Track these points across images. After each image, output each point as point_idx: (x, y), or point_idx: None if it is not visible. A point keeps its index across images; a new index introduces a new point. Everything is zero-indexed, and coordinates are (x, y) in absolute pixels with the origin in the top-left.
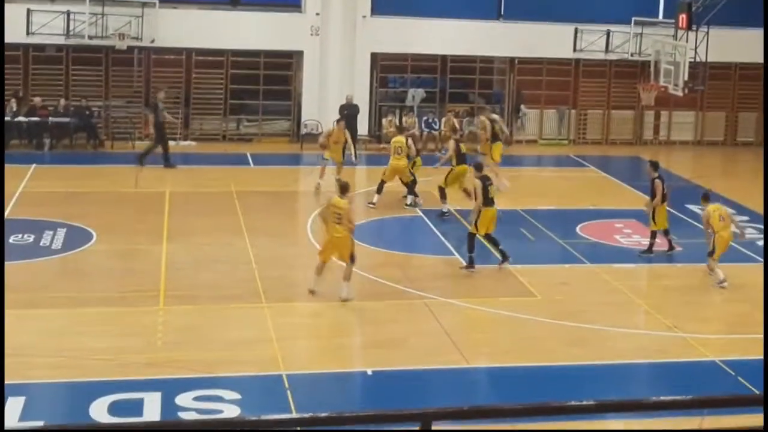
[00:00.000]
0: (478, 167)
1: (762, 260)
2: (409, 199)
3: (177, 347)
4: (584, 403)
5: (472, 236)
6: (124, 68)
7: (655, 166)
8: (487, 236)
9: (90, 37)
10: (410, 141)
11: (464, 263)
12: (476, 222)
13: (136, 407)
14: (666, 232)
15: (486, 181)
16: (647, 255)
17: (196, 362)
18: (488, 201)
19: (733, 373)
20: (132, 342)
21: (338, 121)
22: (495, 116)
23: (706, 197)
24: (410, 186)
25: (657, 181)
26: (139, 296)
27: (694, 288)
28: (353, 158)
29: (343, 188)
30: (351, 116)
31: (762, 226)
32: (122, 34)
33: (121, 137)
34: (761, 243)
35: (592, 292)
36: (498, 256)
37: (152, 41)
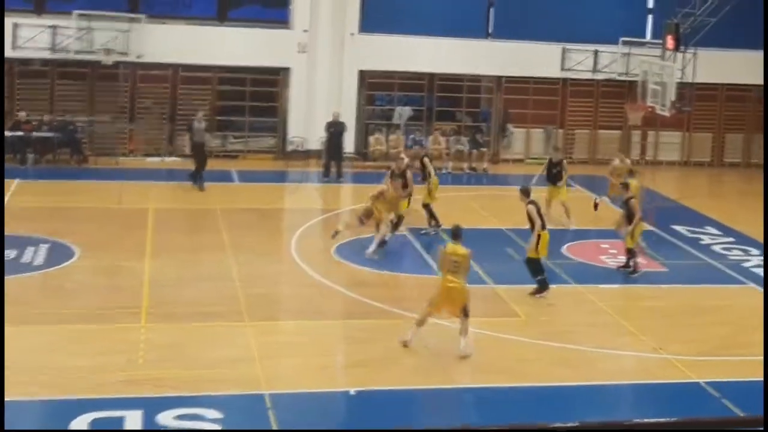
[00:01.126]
0: (526, 192)
1: (747, 282)
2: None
3: (159, 365)
4: (569, 425)
5: (532, 261)
6: (109, 83)
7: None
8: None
9: (76, 52)
10: (426, 160)
11: (535, 289)
12: (537, 246)
13: (117, 426)
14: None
15: (538, 205)
16: (633, 275)
17: (177, 380)
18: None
19: (718, 395)
20: (113, 359)
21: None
22: None
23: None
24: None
25: (633, 201)
26: (121, 313)
27: (678, 309)
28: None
29: (456, 233)
30: (337, 134)
31: (748, 248)
32: (108, 49)
33: (106, 153)
34: (747, 264)
35: (578, 313)
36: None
37: (139, 56)
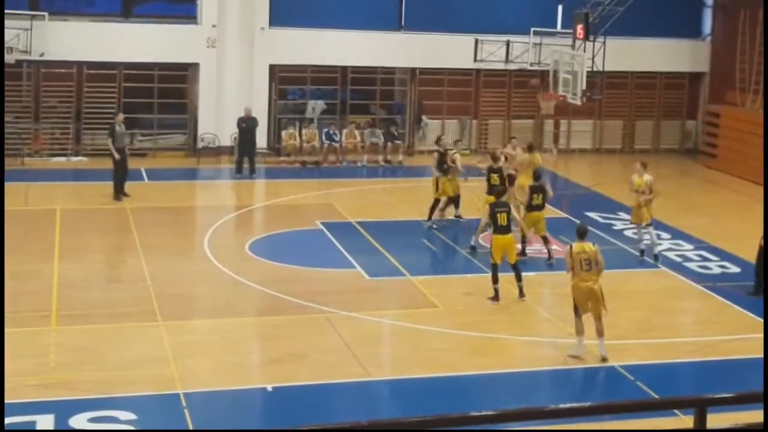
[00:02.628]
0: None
1: (659, 267)
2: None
3: (70, 368)
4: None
5: (493, 266)
6: (12, 83)
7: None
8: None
9: None
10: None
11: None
12: (491, 250)
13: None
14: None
15: (496, 208)
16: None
17: (90, 383)
18: (499, 228)
19: (632, 378)
20: (24, 363)
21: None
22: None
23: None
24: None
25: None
26: (30, 316)
27: None
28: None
29: (582, 232)
30: (249, 129)
31: (659, 232)
32: (10, 47)
33: (10, 153)
34: (658, 249)
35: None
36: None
37: (41, 55)
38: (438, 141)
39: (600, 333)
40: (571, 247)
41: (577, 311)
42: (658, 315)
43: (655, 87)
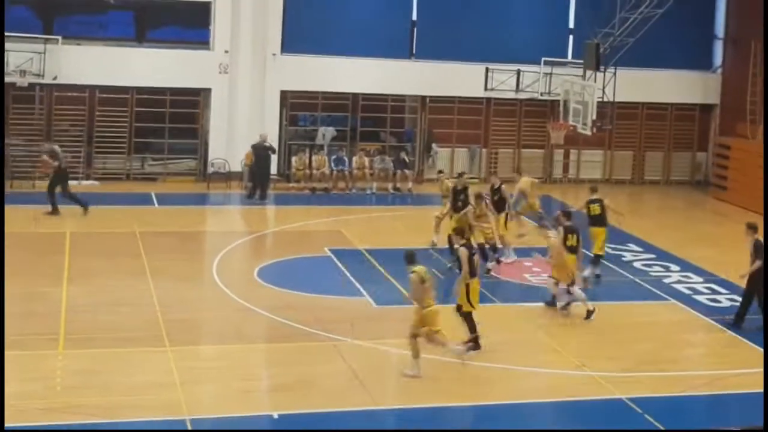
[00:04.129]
0: (459, 232)
1: (669, 299)
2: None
3: (77, 392)
4: None
5: (466, 315)
6: (24, 106)
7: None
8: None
9: None
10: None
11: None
12: (468, 297)
13: None
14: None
15: (471, 250)
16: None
17: (96, 407)
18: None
19: (640, 411)
20: (31, 387)
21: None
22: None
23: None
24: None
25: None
26: (38, 340)
27: (602, 326)
28: None
29: (411, 257)
30: (264, 156)
31: (669, 264)
32: (23, 70)
33: (22, 176)
34: (668, 281)
35: (501, 332)
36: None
37: (54, 78)
38: (460, 175)
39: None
40: (416, 273)
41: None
42: (667, 348)
43: (665, 118)
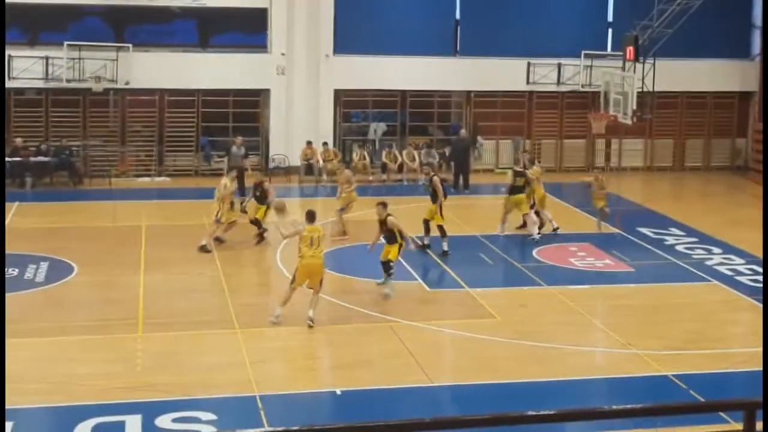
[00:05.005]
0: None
1: (711, 280)
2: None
3: (155, 372)
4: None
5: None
6: (100, 109)
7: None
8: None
9: (68, 81)
10: (437, 179)
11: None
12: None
13: (118, 430)
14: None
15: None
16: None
17: (173, 386)
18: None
19: (685, 387)
20: (113, 368)
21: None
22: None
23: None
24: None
25: (435, 179)
26: (118, 324)
27: (647, 307)
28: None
29: (311, 216)
30: (462, 149)
31: (710, 246)
32: (98, 77)
33: (99, 174)
34: (710, 263)
35: (549, 313)
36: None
37: (127, 83)
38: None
39: (314, 304)
40: (303, 229)
41: (293, 283)
42: (710, 327)
43: (705, 106)
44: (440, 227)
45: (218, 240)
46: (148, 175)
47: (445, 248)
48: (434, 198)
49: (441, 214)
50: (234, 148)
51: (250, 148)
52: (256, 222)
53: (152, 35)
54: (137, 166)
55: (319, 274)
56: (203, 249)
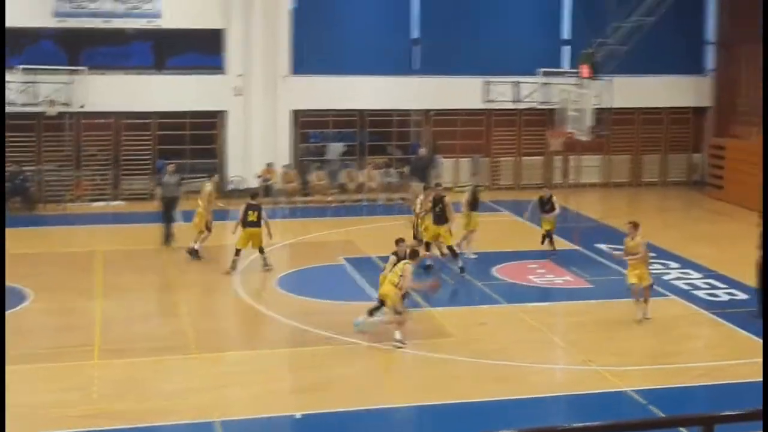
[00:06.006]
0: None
1: (669, 295)
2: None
3: (113, 399)
4: None
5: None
6: (54, 133)
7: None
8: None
9: (22, 104)
10: (447, 200)
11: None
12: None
13: None
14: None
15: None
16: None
17: (131, 413)
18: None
19: (645, 402)
20: (69, 396)
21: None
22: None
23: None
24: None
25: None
26: (75, 351)
27: (606, 323)
28: None
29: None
30: (422, 166)
31: (667, 261)
32: (52, 100)
33: (54, 200)
34: (667, 277)
35: (509, 331)
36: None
37: (81, 106)
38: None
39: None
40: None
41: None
42: (668, 341)
43: (661, 122)
44: (450, 248)
45: (195, 253)
46: (104, 200)
47: (461, 264)
48: (441, 219)
49: (450, 233)
50: (166, 177)
51: (206, 170)
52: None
53: (107, 58)
54: (93, 191)
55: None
56: (193, 253)
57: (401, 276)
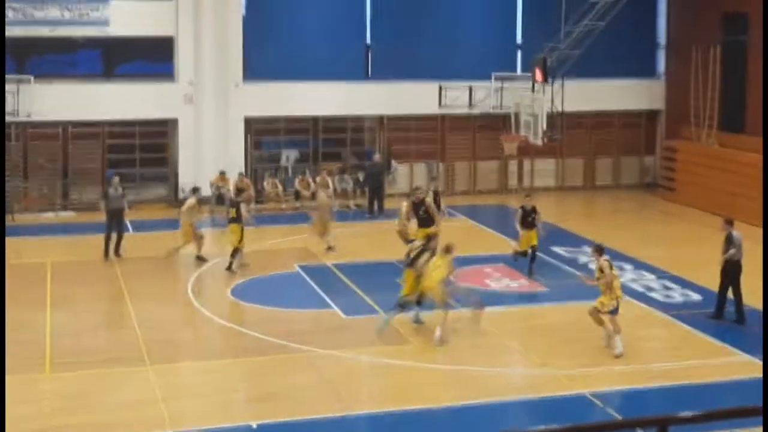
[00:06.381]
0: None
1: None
2: None
3: (65, 413)
4: None
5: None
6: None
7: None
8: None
9: None
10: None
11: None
12: None
13: None
14: None
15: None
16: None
17: (84, 426)
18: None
19: (601, 405)
20: (21, 410)
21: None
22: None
23: (599, 249)
24: None
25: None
26: (25, 365)
27: (562, 326)
28: None
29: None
30: (376, 173)
31: (621, 263)
32: None
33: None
34: (622, 280)
35: (466, 336)
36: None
37: (28, 115)
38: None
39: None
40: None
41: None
42: (625, 343)
43: (613, 125)
44: None
45: (201, 258)
46: (53, 210)
47: None
48: (428, 222)
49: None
50: (111, 190)
51: (158, 178)
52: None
53: (55, 66)
54: (41, 201)
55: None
56: (200, 258)
57: (448, 270)
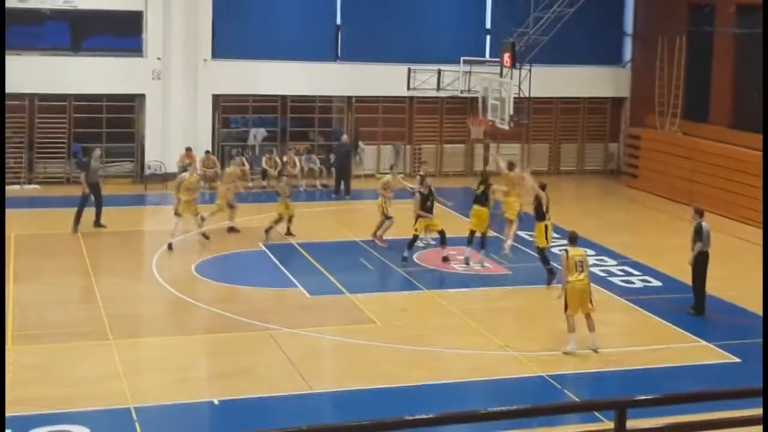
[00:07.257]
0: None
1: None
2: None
3: (27, 385)
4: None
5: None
6: None
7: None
8: None
9: None
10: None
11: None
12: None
13: None
14: None
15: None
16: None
17: (45, 399)
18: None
19: (560, 387)
20: None
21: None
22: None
23: (573, 239)
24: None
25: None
26: None
27: (524, 309)
28: None
29: (574, 238)
30: (344, 154)
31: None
32: None
33: None
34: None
35: (429, 317)
36: None
37: None
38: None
39: (592, 328)
40: (566, 251)
41: (567, 309)
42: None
43: (579, 111)
44: (441, 232)
45: (233, 229)
46: (18, 183)
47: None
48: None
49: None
50: (93, 162)
51: (124, 154)
52: None
53: (21, 38)
54: (6, 174)
55: (585, 299)
56: (232, 230)
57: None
